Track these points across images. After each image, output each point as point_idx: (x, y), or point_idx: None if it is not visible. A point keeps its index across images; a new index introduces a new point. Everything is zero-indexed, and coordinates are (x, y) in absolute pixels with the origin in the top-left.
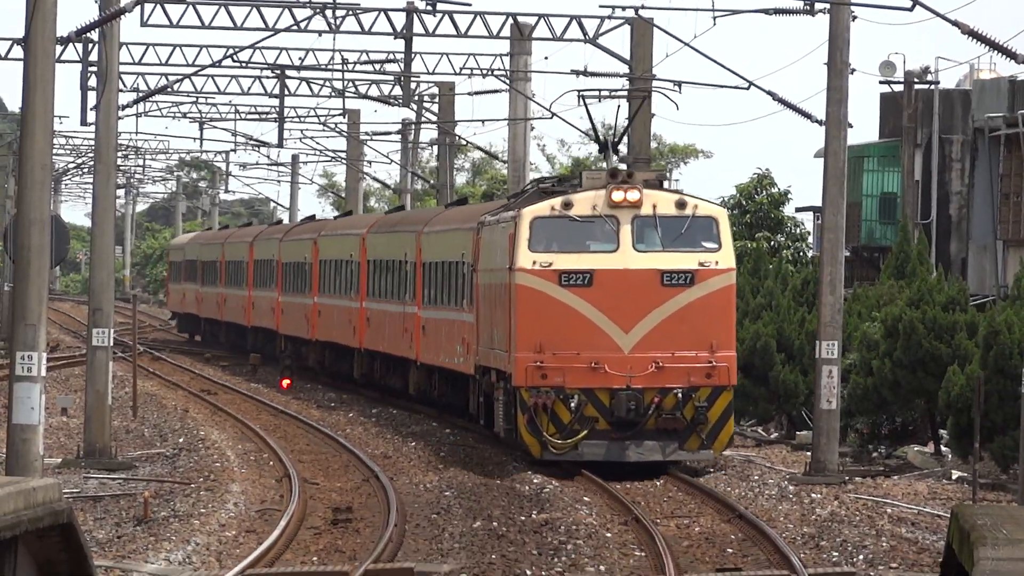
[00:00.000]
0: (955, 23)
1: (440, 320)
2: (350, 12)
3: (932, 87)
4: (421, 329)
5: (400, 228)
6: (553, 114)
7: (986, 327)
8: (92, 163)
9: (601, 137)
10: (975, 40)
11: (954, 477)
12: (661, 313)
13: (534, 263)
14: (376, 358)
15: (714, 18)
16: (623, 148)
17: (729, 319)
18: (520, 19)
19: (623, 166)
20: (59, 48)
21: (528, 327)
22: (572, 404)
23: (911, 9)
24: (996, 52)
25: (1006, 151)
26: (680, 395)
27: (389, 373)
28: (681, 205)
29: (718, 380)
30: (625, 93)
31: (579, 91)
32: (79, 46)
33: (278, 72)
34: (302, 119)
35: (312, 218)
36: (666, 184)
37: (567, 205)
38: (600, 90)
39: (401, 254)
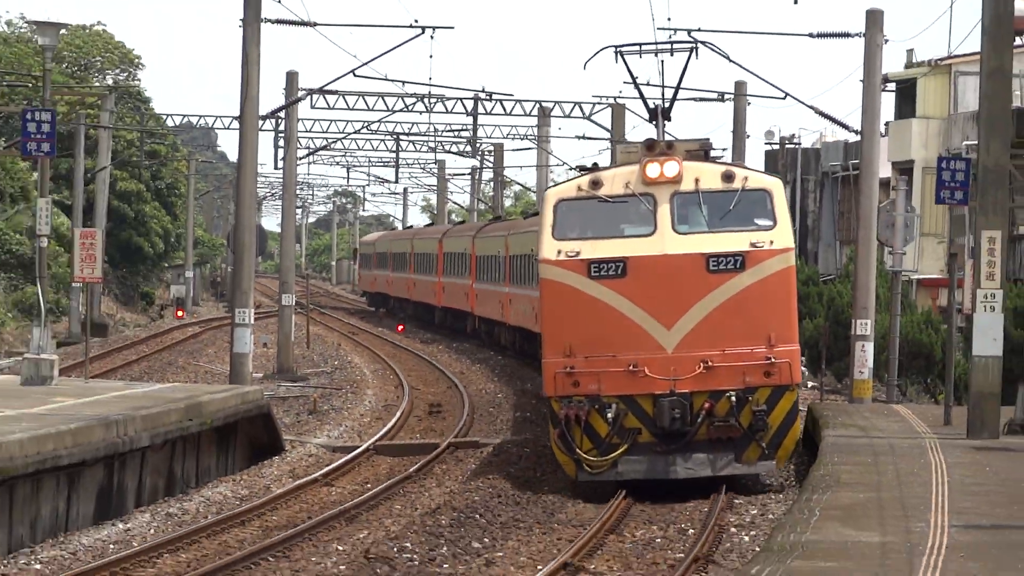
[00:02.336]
0: (811, 107)
1: None
2: (439, 100)
3: (797, 146)
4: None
5: None
6: (565, 162)
7: (827, 295)
8: (281, 192)
9: (650, 104)
10: (823, 117)
11: (809, 386)
12: (708, 304)
13: (559, 252)
14: None
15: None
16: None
17: (789, 307)
18: (543, 104)
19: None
20: (261, 122)
21: (555, 327)
22: (609, 414)
23: (783, 99)
24: (836, 125)
25: (842, 186)
26: (734, 398)
27: None
28: (728, 177)
29: (779, 379)
30: (668, 47)
31: (616, 46)
32: (272, 121)
33: (395, 136)
34: (410, 165)
35: (499, 219)
36: (712, 154)
37: (595, 184)
38: (641, 44)
39: None
